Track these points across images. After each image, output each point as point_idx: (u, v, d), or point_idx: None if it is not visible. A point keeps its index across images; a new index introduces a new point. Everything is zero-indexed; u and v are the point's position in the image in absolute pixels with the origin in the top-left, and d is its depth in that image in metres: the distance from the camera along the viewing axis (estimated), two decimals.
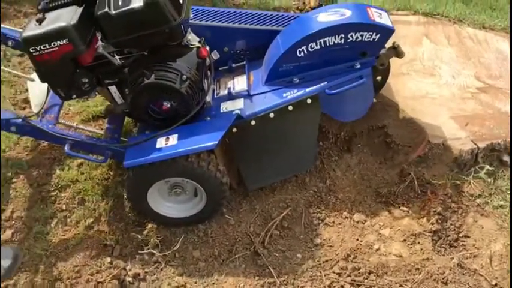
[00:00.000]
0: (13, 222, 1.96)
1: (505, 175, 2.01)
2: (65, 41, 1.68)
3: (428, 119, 2.13)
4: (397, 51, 1.96)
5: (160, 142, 1.77)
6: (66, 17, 1.69)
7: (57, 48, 1.70)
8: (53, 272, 1.82)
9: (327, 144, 2.24)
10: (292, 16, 2.13)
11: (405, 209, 2.01)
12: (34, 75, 2.12)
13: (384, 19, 1.86)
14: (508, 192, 1.97)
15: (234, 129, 1.86)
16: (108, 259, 1.88)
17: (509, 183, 2.00)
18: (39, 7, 1.80)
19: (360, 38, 1.83)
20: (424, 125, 2.09)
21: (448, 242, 1.93)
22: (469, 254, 1.89)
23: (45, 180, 2.09)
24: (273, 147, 1.94)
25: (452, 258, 1.86)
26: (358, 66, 1.89)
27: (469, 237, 1.93)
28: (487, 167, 2.00)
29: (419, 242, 1.92)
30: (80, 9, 1.73)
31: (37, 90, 2.11)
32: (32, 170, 2.13)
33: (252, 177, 1.99)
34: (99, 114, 2.37)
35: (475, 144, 2.01)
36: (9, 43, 2.12)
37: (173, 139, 1.77)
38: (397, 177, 2.08)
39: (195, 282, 1.81)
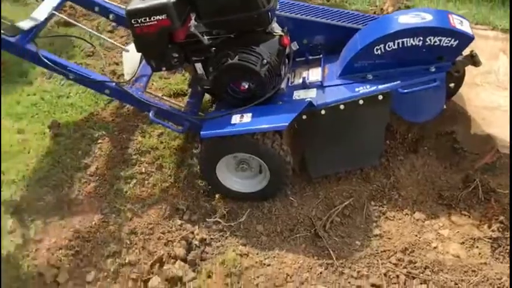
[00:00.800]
0: (97, 177, 2.15)
1: None
2: (163, 16, 1.86)
3: (499, 129, 2.15)
4: (474, 60, 1.99)
5: (235, 119, 1.91)
6: None
7: (155, 22, 1.87)
8: (129, 225, 1.98)
9: (394, 143, 2.30)
10: (372, 17, 2.22)
11: (466, 213, 2.04)
12: (129, 47, 2.32)
13: (464, 27, 1.91)
14: None
15: (304, 117, 1.96)
16: (179, 222, 2.03)
17: None
18: None
19: (438, 42, 1.89)
20: (494, 134, 2.12)
21: (508, 251, 1.95)
22: None
23: (128, 145, 2.28)
24: (340, 138, 2.03)
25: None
26: (434, 69, 1.95)
27: None
28: None
29: (477, 246, 1.95)
30: None
31: (130, 61, 2.30)
32: (116, 133, 2.33)
33: (317, 165, 2.09)
34: (179, 92, 2.54)
35: None
36: (110, 16, 2.33)
37: (247, 117, 1.91)
38: (461, 183, 2.11)
39: (257, 254, 1.92)
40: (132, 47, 2.26)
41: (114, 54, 2.75)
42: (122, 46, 2.39)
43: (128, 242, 1.93)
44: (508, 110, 2.28)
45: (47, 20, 2.14)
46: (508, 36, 2.80)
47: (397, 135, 2.31)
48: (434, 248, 1.95)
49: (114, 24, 2.81)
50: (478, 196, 2.06)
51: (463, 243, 1.97)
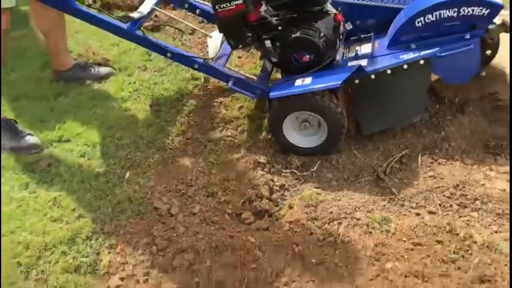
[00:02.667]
0: (193, 141, 2.61)
1: None
2: (240, 1, 2.33)
3: None
4: (506, 27, 2.33)
5: (298, 82, 2.34)
6: None
7: (234, 6, 2.34)
8: (222, 174, 2.42)
9: (443, 107, 2.62)
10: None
11: (510, 157, 2.35)
12: (212, 34, 2.83)
13: None
14: None
15: (357, 81, 2.36)
16: (261, 172, 2.43)
17: None
18: None
19: (471, 12, 2.25)
20: None
21: None
22: None
23: (215, 116, 2.74)
24: (388, 99, 2.40)
25: None
26: (468, 36, 2.30)
27: None
28: None
29: None
30: None
31: (213, 44, 2.80)
32: (204, 108, 2.80)
33: (368, 123, 2.47)
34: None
35: None
36: (197, 11, 2.88)
37: (308, 80, 2.33)
38: (505, 133, 2.42)
39: (328, 194, 2.29)
40: (214, 33, 2.78)
41: (199, 41, 3.29)
42: (206, 33, 2.89)
43: (222, 187, 2.36)
44: None
45: (149, 13, 2.68)
46: None
47: (445, 100, 2.64)
48: (483, 184, 2.25)
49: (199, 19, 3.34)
50: None
51: (508, 180, 2.27)
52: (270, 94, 2.37)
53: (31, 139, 2.56)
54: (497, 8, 2.26)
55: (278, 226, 2.15)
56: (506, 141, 2.39)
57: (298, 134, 2.48)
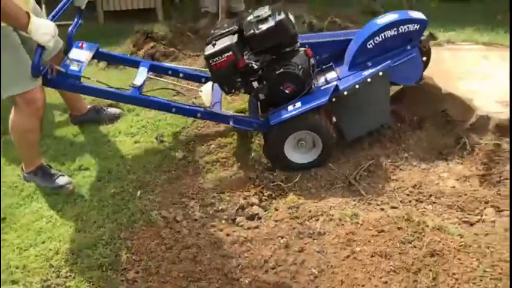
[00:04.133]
0: (193, 163, 3.06)
1: None
2: (230, 53, 2.83)
3: (478, 102, 2.94)
4: (433, 36, 2.96)
5: (290, 107, 2.81)
6: (229, 39, 2.85)
7: (225, 58, 2.84)
8: (218, 189, 2.85)
9: (404, 125, 3.10)
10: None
11: (460, 161, 2.80)
12: (201, 87, 3.31)
13: (420, 15, 2.90)
14: None
15: (333, 99, 2.84)
16: (251, 186, 2.86)
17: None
18: (209, 40, 2.96)
19: (407, 29, 2.85)
20: (473, 105, 2.91)
21: (492, 183, 2.66)
22: (507, 189, 2.60)
23: (211, 143, 3.20)
24: (361, 108, 2.88)
25: (494, 191, 2.60)
26: (409, 48, 2.90)
27: (508, 179, 2.65)
28: None
29: (469, 181, 2.68)
30: (236, 35, 2.88)
31: (206, 95, 3.25)
32: (202, 138, 3.27)
33: (350, 131, 2.95)
34: (241, 110, 3.49)
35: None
36: (180, 75, 3.43)
37: (298, 104, 2.80)
38: (455, 142, 2.88)
39: (308, 198, 2.71)
40: (203, 87, 3.27)
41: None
42: (198, 89, 3.39)
43: (219, 198, 2.79)
44: (487, 90, 3.07)
45: (145, 81, 3.11)
46: (488, 47, 3.66)
47: (406, 119, 3.12)
48: (437, 184, 2.69)
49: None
50: (467, 149, 2.81)
51: (458, 179, 2.70)
52: (271, 122, 2.82)
53: (63, 179, 2.93)
54: (424, 23, 2.88)
55: (266, 224, 2.57)
56: (455, 148, 2.85)
57: (297, 152, 2.91)
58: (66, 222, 2.69)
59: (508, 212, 2.47)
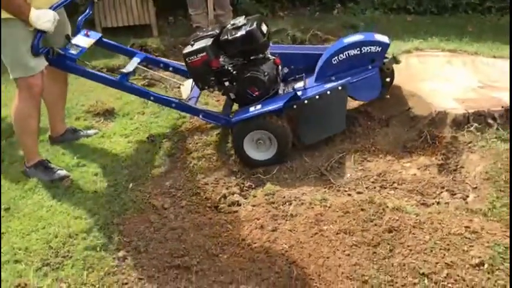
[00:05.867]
0: (180, 159, 3.35)
1: (488, 130, 3.02)
2: (204, 53, 3.17)
3: (438, 100, 3.24)
4: (396, 60, 3.24)
5: (252, 108, 3.13)
6: (205, 42, 3.20)
7: (200, 57, 3.18)
8: (204, 181, 3.13)
9: (373, 123, 3.41)
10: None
11: (421, 153, 3.08)
12: (184, 82, 3.65)
13: (384, 39, 3.19)
14: (492, 139, 2.97)
15: (295, 106, 3.14)
16: (233, 178, 3.15)
17: (494, 140, 2.99)
18: (190, 40, 3.32)
19: (369, 50, 3.15)
20: (433, 103, 3.21)
21: (450, 170, 2.95)
22: (462, 176, 2.89)
23: (197, 141, 3.49)
24: (319, 116, 3.16)
25: (450, 177, 2.88)
26: (370, 67, 3.19)
27: (463, 167, 2.94)
28: (476, 124, 3.02)
29: (429, 170, 2.97)
30: (212, 39, 3.22)
31: (185, 89, 3.60)
32: (189, 137, 3.57)
33: (307, 135, 3.23)
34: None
35: (467, 111, 3.08)
36: (170, 69, 3.76)
37: (259, 106, 3.12)
38: (417, 136, 3.17)
39: (283, 187, 2.99)
40: (185, 82, 3.61)
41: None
42: (181, 82, 3.72)
43: (204, 189, 3.07)
44: (447, 90, 3.37)
45: (134, 70, 3.45)
46: (453, 54, 3.98)
47: (375, 118, 3.43)
48: (400, 172, 2.98)
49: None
50: (428, 141, 3.10)
51: (419, 168, 2.99)
52: (232, 119, 3.15)
53: (61, 172, 3.24)
54: (386, 46, 3.18)
55: (244, 209, 2.85)
56: (417, 142, 3.14)
57: (255, 150, 3.20)
58: (64, 211, 2.96)
59: (461, 194, 2.76)
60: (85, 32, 3.39)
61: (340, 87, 3.13)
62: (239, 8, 5.90)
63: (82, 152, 3.53)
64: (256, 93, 3.19)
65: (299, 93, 3.15)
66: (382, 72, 3.23)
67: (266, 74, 3.17)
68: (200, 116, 3.34)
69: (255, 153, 3.20)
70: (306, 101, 3.13)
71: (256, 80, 3.17)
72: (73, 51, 3.25)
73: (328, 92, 3.12)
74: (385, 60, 3.23)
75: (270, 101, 3.15)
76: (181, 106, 3.39)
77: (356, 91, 3.22)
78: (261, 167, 3.19)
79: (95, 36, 3.43)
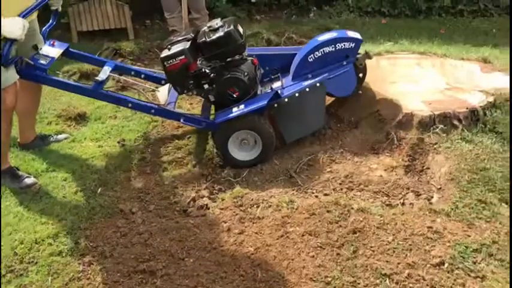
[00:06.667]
0: (151, 163, 3.34)
1: (453, 131, 3.07)
2: (183, 57, 3.17)
3: (406, 102, 3.28)
4: (368, 55, 3.28)
5: (235, 109, 3.13)
6: (183, 45, 3.20)
7: (179, 61, 3.18)
8: (173, 184, 3.13)
9: (343, 125, 3.45)
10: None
11: (388, 154, 3.12)
12: (160, 89, 3.64)
13: (356, 35, 3.24)
14: (457, 140, 3.02)
15: (275, 105, 3.16)
16: (204, 181, 3.16)
17: (459, 140, 3.04)
18: (165, 45, 3.32)
19: (343, 46, 3.19)
20: (400, 105, 3.25)
21: (416, 171, 2.99)
22: (428, 177, 2.93)
23: (168, 145, 3.49)
24: (300, 114, 3.21)
25: (416, 178, 2.92)
26: (345, 63, 3.23)
27: (429, 168, 2.98)
28: (441, 126, 3.08)
29: (395, 171, 3.00)
30: (189, 42, 3.22)
31: (162, 94, 3.59)
32: (161, 140, 3.57)
33: (288, 134, 3.26)
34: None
35: (433, 112, 3.13)
36: (142, 76, 3.74)
37: (242, 106, 3.12)
38: (385, 138, 3.21)
39: (253, 189, 3.00)
40: (161, 88, 3.60)
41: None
42: (156, 88, 3.71)
43: (173, 192, 3.07)
44: (415, 92, 3.42)
45: (107, 78, 3.40)
46: (422, 56, 4.04)
47: (344, 120, 3.47)
48: (366, 174, 3.01)
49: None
50: (395, 143, 3.14)
51: (386, 170, 3.02)
52: (216, 120, 3.15)
53: (28, 180, 3.18)
54: (359, 42, 3.24)
55: (212, 212, 2.85)
56: (385, 143, 3.18)
57: (240, 150, 3.21)
58: (31, 217, 2.93)
59: (425, 195, 2.80)
60: (51, 42, 3.35)
61: (318, 84, 3.17)
62: (216, 12, 5.90)
63: (52, 157, 3.49)
64: (237, 93, 3.20)
65: (279, 92, 3.17)
66: (355, 68, 3.30)
67: (246, 74, 3.18)
68: (181, 120, 3.33)
69: (240, 154, 3.20)
70: (286, 100, 3.15)
71: (236, 80, 3.17)
72: (43, 61, 3.18)
73: (307, 89, 3.16)
74: (358, 56, 3.30)
75: (252, 101, 3.15)
76: (161, 111, 3.37)
77: (333, 87, 3.27)
78: (232, 170, 3.20)
79: (62, 46, 3.38)
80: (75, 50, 3.59)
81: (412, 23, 5.61)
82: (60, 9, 3.44)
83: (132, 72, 3.78)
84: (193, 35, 3.30)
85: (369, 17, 5.84)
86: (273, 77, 3.49)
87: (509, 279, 2.24)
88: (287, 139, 3.27)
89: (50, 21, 3.46)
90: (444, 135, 3.07)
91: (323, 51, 3.24)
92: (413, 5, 5.89)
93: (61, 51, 3.34)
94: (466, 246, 2.40)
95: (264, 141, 3.14)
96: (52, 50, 3.28)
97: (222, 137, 3.18)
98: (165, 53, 3.22)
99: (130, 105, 3.36)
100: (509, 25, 4.00)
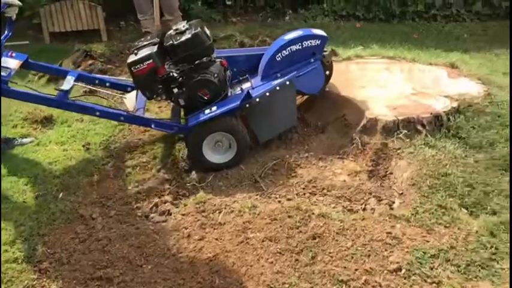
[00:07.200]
0: (115, 168, 3.29)
1: (417, 137, 3.09)
2: (150, 61, 3.13)
3: (372, 107, 3.29)
4: (334, 52, 3.30)
5: (207, 111, 3.09)
6: (150, 49, 3.16)
7: (146, 66, 3.14)
8: (136, 189, 3.09)
9: (309, 130, 3.44)
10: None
11: (353, 159, 3.12)
12: (126, 95, 3.59)
13: (321, 32, 3.29)
14: (420, 145, 3.04)
15: (247, 105, 3.14)
16: (167, 186, 3.12)
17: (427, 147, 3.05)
18: (132, 49, 3.28)
19: (310, 44, 3.22)
20: (367, 109, 3.26)
21: (379, 176, 2.99)
22: (390, 182, 2.94)
23: (134, 149, 3.45)
24: (272, 113, 3.20)
25: (379, 183, 2.93)
26: (312, 60, 3.26)
27: (391, 173, 2.99)
28: (405, 131, 3.09)
29: (359, 176, 3.00)
30: (156, 46, 3.19)
31: (129, 101, 3.53)
32: (125, 145, 3.52)
33: (261, 134, 3.24)
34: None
35: (397, 117, 3.14)
36: (107, 84, 3.68)
37: (214, 108, 3.09)
38: (349, 143, 3.21)
39: (216, 195, 2.97)
40: (128, 94, 3.55)
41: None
42: (122, 95, 3.66)
43: (136, 198, 3.03)
44: (380, 97, 3.43)
45: (72, 87, 3.34)
46: (391, 60, 4.06)
47: (311, 124, 3.47)
48: (330, 178, 3.00)
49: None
50: (359, 148, 3.15)
51: (349, 175, 3.02)
52: (189, 123, 3.11)
53: None
54: (325, 39, 3.28)
55: (173, 218, 2.82)
56: (349, 148, 3.18)
57: (214, 153, 3.17)
58: None
59: (387, 200, 2.80)
60: (9, 54, 3.27)
61: (288, 82, 3.17)
62: (191, 14, 5.86)
63: (15, 161, 3.43)
64: (208, 96, 3.17)
65: (251, 92, 3.15)
66: (322, 65, 3.32)
67: (216, 75, 3.16)
68: (152, 126, 3.28)
69: (214, 157, 3.17)
70: (257, 99, 3.13)
71: (206, 82, 3.14)
72: (3, 73, 3.09)
73: (278, 88, 3.16)
74: (325, 53, 3.32)
75: (224, 102, 3.13)
76: (131, 118, 3.32)
77: (302, 85, 3.29)
78: (197, 174, 3.17)
79: (21, 57, 3.30)
80: (33, 61, 3.52)
81: (386, 27, 5.64)
82: (14, 17, 3.31)
83: (96, 81, 3.71)
84: (159, 39, 3.27)
85: (344, 21, 5.85)
86: (241, 78, 3.47)
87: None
88: (260, 139, 3.26)
89: (6, 32, 3.32)
90: (408, 140, 3.08)
91: (290, 49, 3.26)
92: (388, 9, 5.93)
93: (20, 62, 3.27)
94: (424, 252, 2.41)
95: (239, 143, 3.12)
96: (11, 61, 3.21)
97: (195, 140, 3.15)
98: (132, 58, 3.17)
99: (98, 113, 3.30)
100: (508, 27, 4.04)
